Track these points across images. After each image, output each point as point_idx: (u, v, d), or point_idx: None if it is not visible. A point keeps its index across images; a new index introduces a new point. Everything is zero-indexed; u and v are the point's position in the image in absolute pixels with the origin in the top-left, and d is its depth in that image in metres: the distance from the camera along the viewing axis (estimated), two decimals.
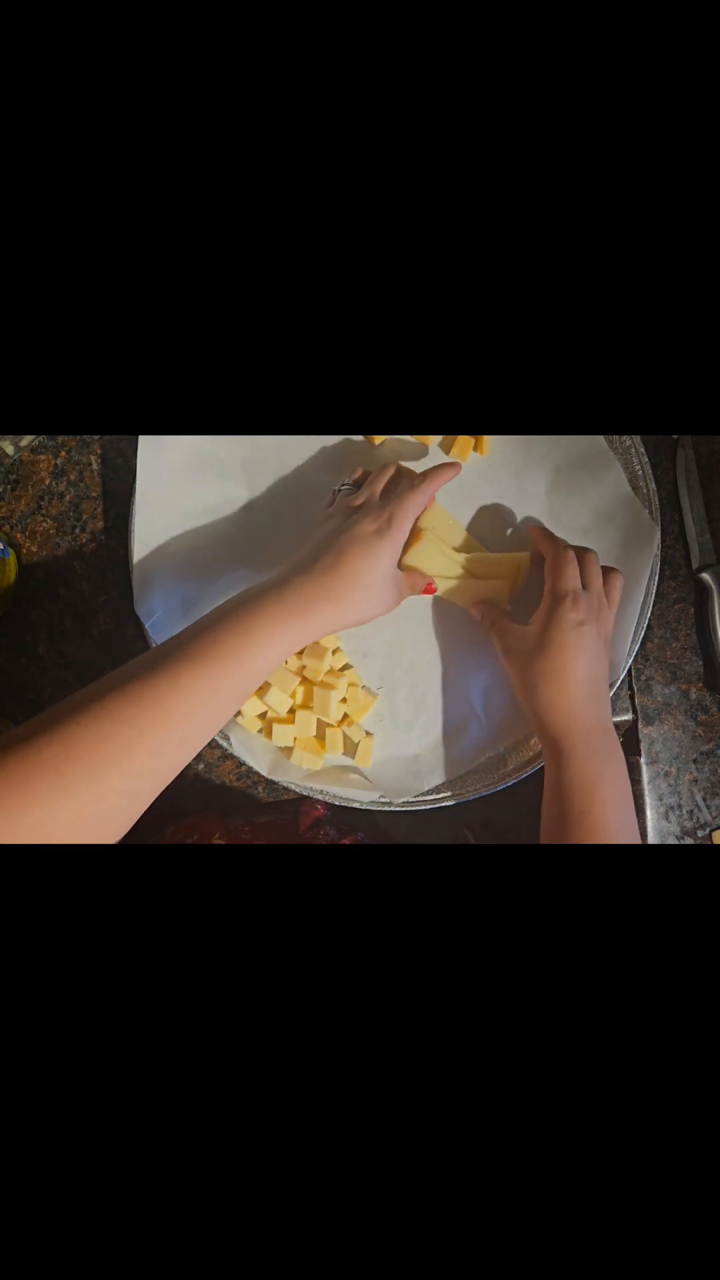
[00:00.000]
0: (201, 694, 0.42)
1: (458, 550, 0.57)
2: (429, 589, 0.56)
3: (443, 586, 0.57)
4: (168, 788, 0.42)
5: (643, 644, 0.62)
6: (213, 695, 0.42)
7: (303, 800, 0.59)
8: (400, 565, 0.53)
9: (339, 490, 0.56)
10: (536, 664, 0.51)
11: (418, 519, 0.55)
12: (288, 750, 0.57)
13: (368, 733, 0.58)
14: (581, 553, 0.55)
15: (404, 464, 0.57)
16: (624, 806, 0.50)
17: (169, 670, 0.42)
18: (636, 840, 0.51)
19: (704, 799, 0.64)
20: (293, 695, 0.56)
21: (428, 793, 0.58)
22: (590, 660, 0.51)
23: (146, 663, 0.43)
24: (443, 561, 0.56)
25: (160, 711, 0.40)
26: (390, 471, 0.55)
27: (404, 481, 0.53)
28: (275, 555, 0.58)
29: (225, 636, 0.44)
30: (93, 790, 0.38)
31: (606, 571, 0.56)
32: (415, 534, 0.55)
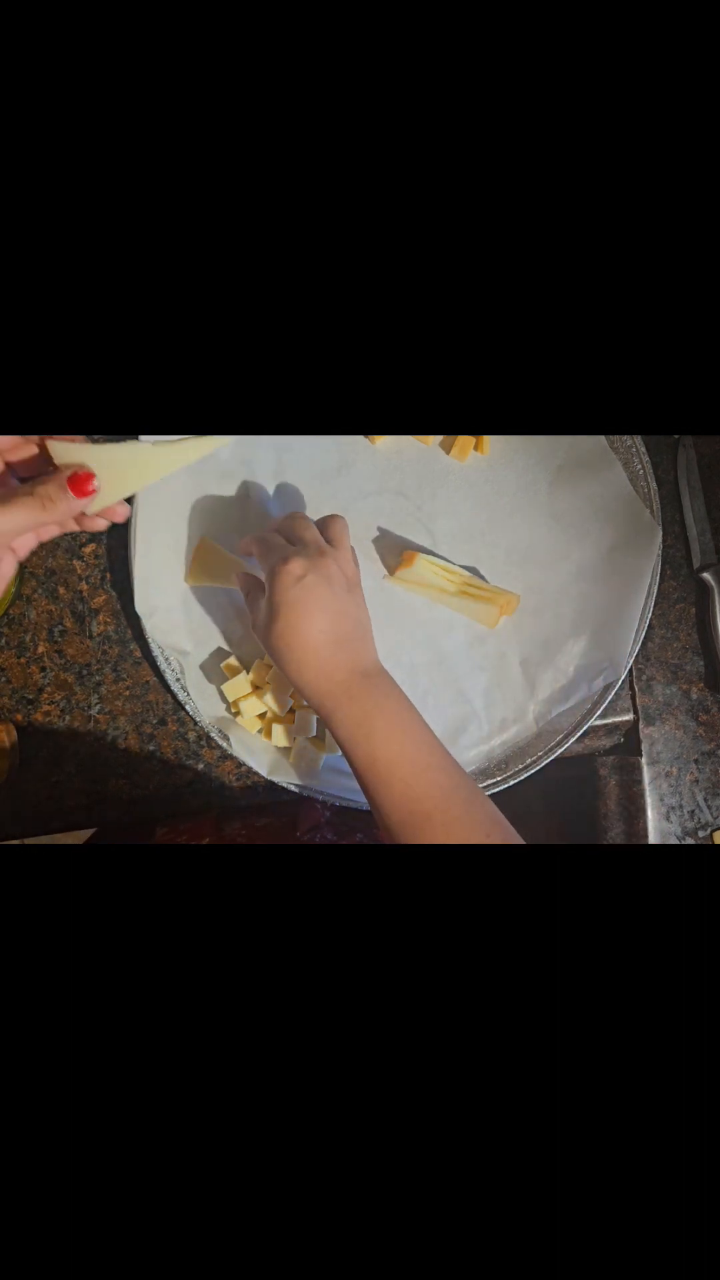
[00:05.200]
0: None
1: (451, 576, 0.57)
2: None
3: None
4: (166, 789, 0.41)
5: (643, 644, 0.62)
6: None
7: (301, 803, 0.59)
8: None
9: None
10: (273, 633, 0.48)
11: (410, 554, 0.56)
12: (287, 750, 0.57)
13: None
14: (282, 520, 0.52)
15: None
16: (408, 731, 0.47)
17: None
18: (434, 755, 0.47)
19: (705, 799, 0.64)
20: (293, 695, 0.56)
21: None
22: (325, 608, 0.47)
23: None
24: (436, 582, 0.57)
25: None
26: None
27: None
28: None
29: None
30: None
31: (325, 519, 0.52)
32: (408, 556, 0.56)
